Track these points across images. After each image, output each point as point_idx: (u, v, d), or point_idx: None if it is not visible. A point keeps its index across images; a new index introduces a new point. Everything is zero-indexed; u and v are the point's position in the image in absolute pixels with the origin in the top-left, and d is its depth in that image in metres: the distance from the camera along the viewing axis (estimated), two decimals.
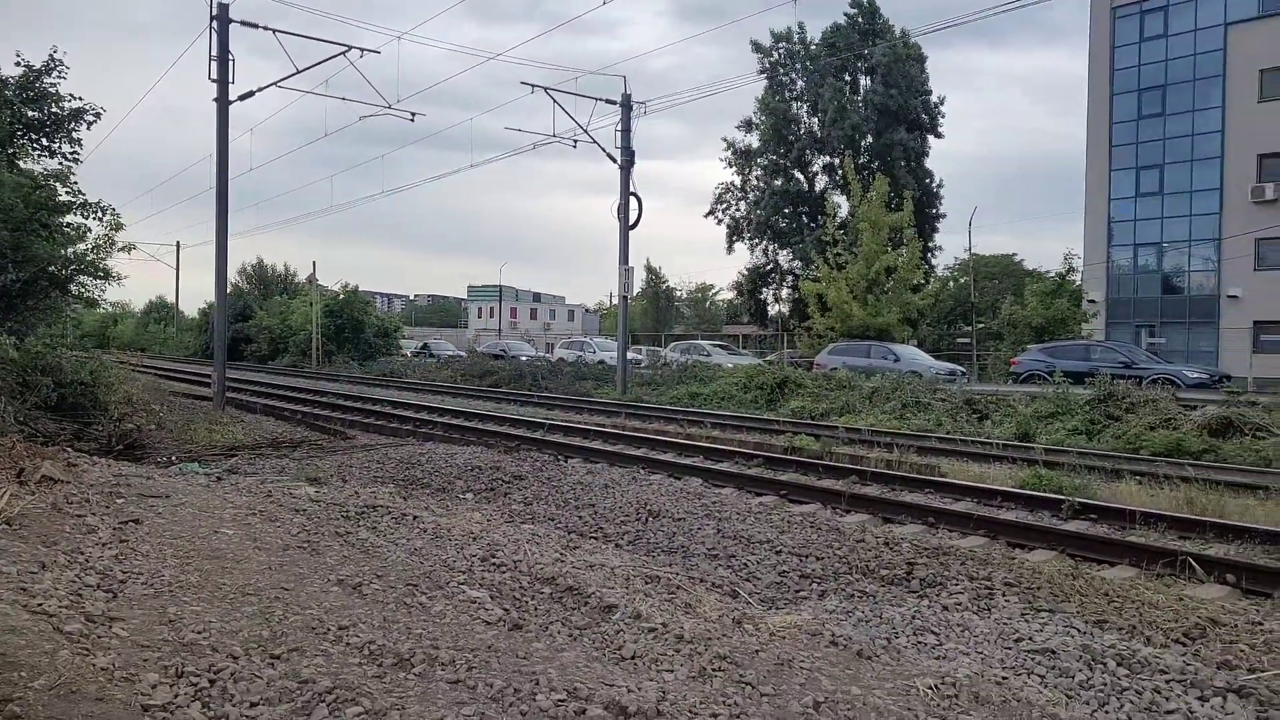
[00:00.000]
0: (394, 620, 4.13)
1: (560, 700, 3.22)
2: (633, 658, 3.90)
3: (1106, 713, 3.97)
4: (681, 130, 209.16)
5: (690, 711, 3.25)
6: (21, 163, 14.35)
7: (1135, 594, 5.58)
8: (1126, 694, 4.11)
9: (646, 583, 5.28)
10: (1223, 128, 35.74)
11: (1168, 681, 4.22)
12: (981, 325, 39.11)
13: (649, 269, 71.00)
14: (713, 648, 3.97)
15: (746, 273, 54.09)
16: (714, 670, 3.73)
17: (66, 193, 14.20)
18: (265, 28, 17.90)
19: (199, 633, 3.72)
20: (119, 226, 14.79)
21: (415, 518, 6.65)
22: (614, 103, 23.94)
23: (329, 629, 3.91)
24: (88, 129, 15.04)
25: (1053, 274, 33.24)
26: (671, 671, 3.73)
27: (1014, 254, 58.36)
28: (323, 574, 4.90)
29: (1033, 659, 4.50)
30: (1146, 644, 4.75)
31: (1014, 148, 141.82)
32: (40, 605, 3.75)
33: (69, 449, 9.49)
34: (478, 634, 4.06)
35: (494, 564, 5.41)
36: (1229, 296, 35.06)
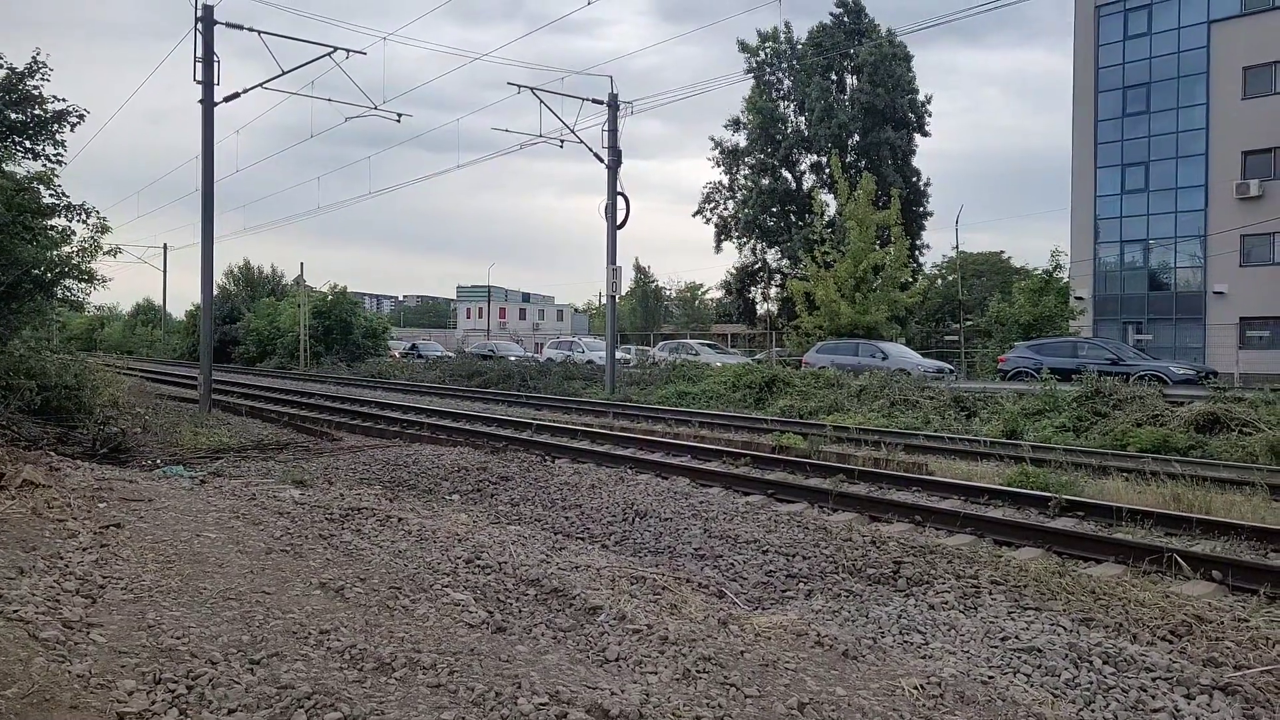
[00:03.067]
0: (376, 624, 4.10)
1: (542, 704, 3.19)
2: (616, 660, 3.88)
3: (1093, 711, 3.97)
4: (664, 129, 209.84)
5: (674, 714, 3.23)
6: (4, 165, 14.20)
7: (1122, 591, 5.58)
8: (1113, 692, 4.11)
9: (632, 584, 5.25)
10: (1207, 125, 35.95)
11: (1154, 679, 4.22)
12: (969, 323, 39.24)
13: (637, 268, 70.93)
14: (697, 649, 3.95)
15: (735, 272, 54.18)
16: (698, 672, 3.71)
17: (50, 195, 14.06)
18: (250, 29, 17.78)
19: (178, 638, 3.67)
20: (104, 229, 14.65)
21: (400, 520, 6.60)
22: (600, 103, 23.90)
23: (310, 633, 3.87)
24: (71, 131, 14.89)
25: (1040, 271, 33.36)
26: (655, 673, 3.70)
27: (1001, 251, 58.67)
28: (305, 577, 4.86)
29: (1019, 658, 4.49)
30: (1133, 642, 4.75)
31: (995, 145, 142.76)
32: (16, 612, 3.70)
33: (52, 453, 9.42)
34: (460, 637, 4.03)
35: (479, 566, 5.38)
36: (1215, 293, 35.26)
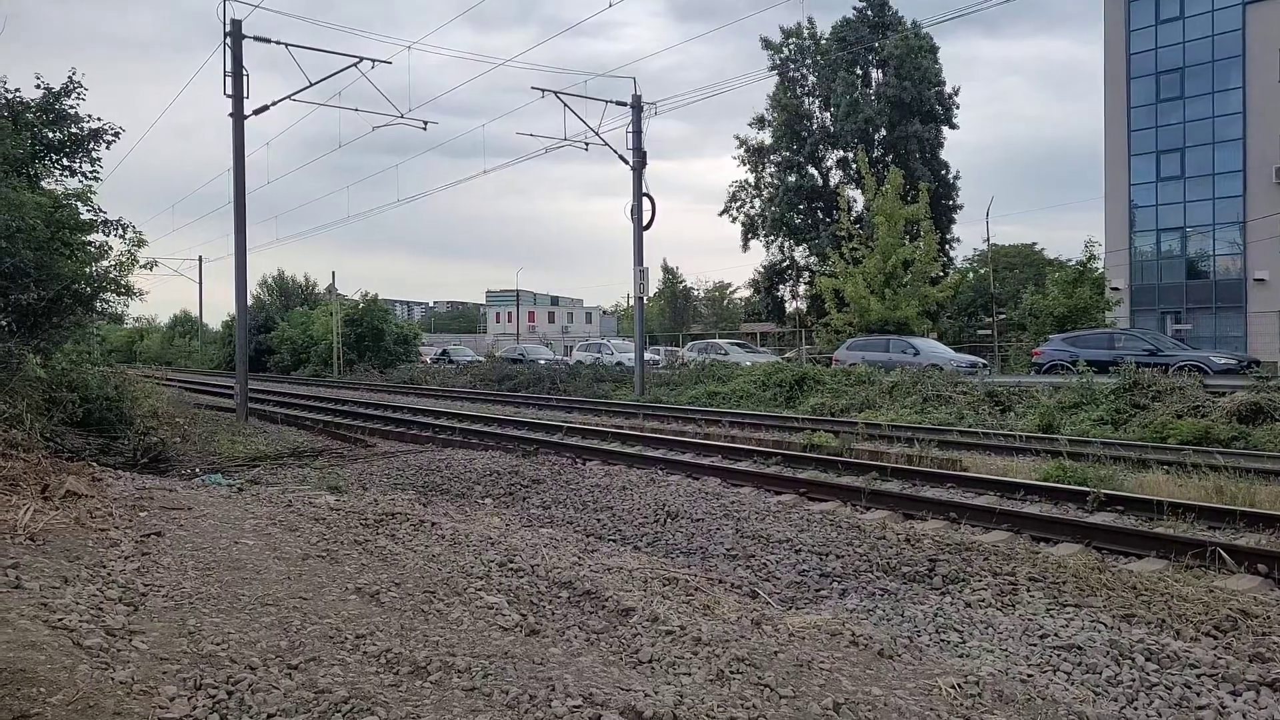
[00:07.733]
0: (411, 628, 4.13)
1: (576, 706, 3.19)
2: (650, 661, 3.88)
3: (1135, 709, 3.90)
4: (683, 129, 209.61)
5: (708, 715, 3.22)
6: (43, 183, 14.52)
7: (1164, 587, 5.48)
8: (1156, 690, 4.04)
9: (664, 585, 5.25)
10: (1244, 109, 35.25)
11: (1198, 676, 4.13)
12: (1002, 316, 38.75)
13: (665, 269, 71.17)
14: (731, 649, 3.94)
15: (763, 270, 53.96)
16: (732, 672, 3.70)
17: (88, 211, 14.34)
18: (278, 42, 18.05)
19: (218, 644, 3.73)
20: (141, 243, 14.91)
21: (434, 524, 6.65)
22: (624, 104, 23.94)
23: (346, 638, 3.91)
24: (107, 148, 15.20)
25: (1074, 262, 32.83)
26: (689, 674, 3.70)
27: (1033, 243, 57.84)
28: (341, 582, 4.91)
29: (1058, 655, 4.42)
30: (1176, 638, 4.66)
31: (1021, 136, 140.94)
32: (61, 620, 3.78)
33: (94, 464, 9.60)
34: (494, 640, 4.05)
35: (512, 569, 5.40)
36: (1256, 280, 34.56)
